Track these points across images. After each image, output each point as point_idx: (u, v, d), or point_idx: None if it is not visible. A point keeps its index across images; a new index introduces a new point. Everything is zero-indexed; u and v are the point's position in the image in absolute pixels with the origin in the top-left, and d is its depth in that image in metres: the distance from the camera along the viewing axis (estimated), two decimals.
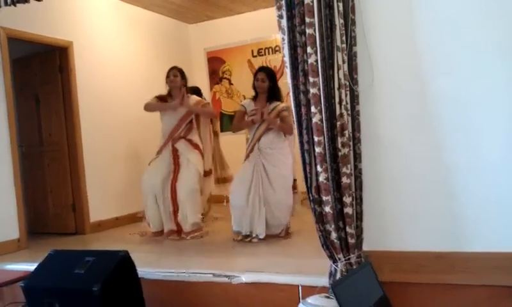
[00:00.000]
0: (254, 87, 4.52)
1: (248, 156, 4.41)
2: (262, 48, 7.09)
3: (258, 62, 7.04)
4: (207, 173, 4.98)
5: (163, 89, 4.93)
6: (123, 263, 2.94)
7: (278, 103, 4.46)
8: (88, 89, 5.52)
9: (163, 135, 4.83)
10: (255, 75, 4.51)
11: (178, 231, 4.63)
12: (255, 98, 4.55)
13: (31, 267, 3.26)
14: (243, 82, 6.24)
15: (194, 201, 4.62)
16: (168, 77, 4.81)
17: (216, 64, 7.45)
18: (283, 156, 4.40)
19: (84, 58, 5.54)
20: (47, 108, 5.53)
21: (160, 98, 4.87)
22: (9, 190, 4.61)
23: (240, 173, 4.39)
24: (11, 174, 4.64)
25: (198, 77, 7.19)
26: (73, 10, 5.45)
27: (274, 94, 4.49)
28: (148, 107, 4.86)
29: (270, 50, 7.01)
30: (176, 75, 4.78)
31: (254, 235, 4.20)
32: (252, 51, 7.14)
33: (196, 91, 5.52)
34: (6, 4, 3.75)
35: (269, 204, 4.21)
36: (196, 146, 4.79)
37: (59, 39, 5.28)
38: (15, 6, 3.79)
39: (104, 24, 5.93)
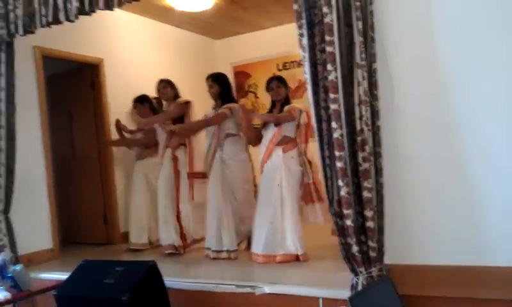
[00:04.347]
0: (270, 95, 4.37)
1: (210, 166, 4.38)
2: (287, 62, 7.19)
3: (284, 76, 7.11)
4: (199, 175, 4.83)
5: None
6: (151, 273, 3.05)
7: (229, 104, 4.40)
8: (118, 105, 5.69)
9: (160, 143, 4.86)
10: (269, 83, 4.35)
11: (184, 245, 4.64)
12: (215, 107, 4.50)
13: (64, 276, 3.41)
14: (269, 95, 6.32)
15: (194, 209, 4.66)
16: (158, 90, 4.87)
17: (242, 78, 7.58)
18: (244, 169, 4.42)
19: (114, 74, 5.73)
20: (79, 123, 5.74)
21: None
22: (44, 202, 4.82)
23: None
24: (45, 186, 4.84)
25: None
26: (103, 28, 5.66)
27: (227, 98, 4.45)
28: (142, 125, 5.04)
29: (295, 64, 7.10)
30: (165, 87, 4.82)
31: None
32: (277, 65, 7.25)
33: None
34: (41, 25, 3.95)
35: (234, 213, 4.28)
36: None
37: (90, 56, 5.49)
38: (49, 27, 3.98)
39: (133, 41, 6.13)
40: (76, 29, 4.93)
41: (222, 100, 4.46)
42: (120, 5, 3.66)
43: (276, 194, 3.99)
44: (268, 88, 4.35)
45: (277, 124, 4.14)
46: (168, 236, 4.65)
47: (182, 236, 4.64)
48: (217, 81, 4.49)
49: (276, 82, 4.31)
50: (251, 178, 4.49)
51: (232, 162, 4.36)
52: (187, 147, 4.72)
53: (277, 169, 4.04)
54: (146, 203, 5.14)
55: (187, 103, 4.75)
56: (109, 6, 3.66)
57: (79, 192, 5.73)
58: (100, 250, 5.24)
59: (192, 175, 4.63)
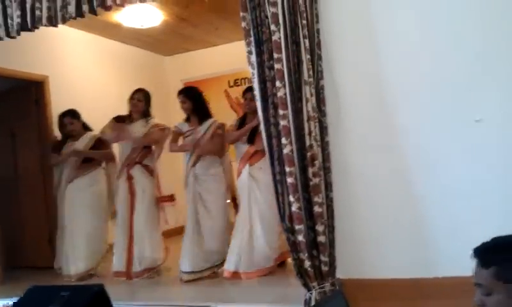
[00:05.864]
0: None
1: (186, 183, 4.29)
2: (238, 79, 7.22)
3: (235, 92, 7.16)
4: (167, 198, 4.64)
5: None
6: (98, 297, 2.91)
7: (212, 120, 4.38)
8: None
9: (120, 160, 4.61)
10: (244, 93, 4.32)
11: (128, 272, 4.27)
12: (188, 119, 4.45)
13: (5, 302, 3.23)
14: (220, 112, 6.32)
15: (151, 233, 4.40)
16: (132, 98, 4.59)
17: None
18: (218, 183, 4.29)
19: (60, 92, 5.54)
20: (23, 142, 5.50)
21: (118, 119, 4.61)
22: None
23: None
24: None
25: (176, 107, 7.20)
26: (48, 45, 5.48)
27: (202, 112, 4.39)
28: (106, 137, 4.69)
29: (246, 80, 7.14)
30: (140, 99, 4.59)
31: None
32: (229, 81, 7.26)
33: None
34: None
35: (205, 232, 4.14)
36: (151, 172, 4.55)
37: (35, 73, 5.30)
38: None
39: (79, 58, 5.98)
40: (19, 45, 4.75)
41: (198, 115, 4.36)
42: (64, 21, 3.54)
43: (244, 210, 4.00)
44: (243, 98, 4.31)
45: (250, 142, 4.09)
46: (115, 261, 4.43)
47: (129, 261, 4.28)
48: (189, 97, 4.39)
49: (251, 94, 4.00)
50: (224, 193, 4.33)
51: (204, 176, 4.26)
52: (145, 168, 4.55)
53: (244, 185, 4.05)
54: (83, 229, 4.63)
55: (165, 129, 4.59)
56: (52, 23, 3.55)
57: (22, 213, 5.46)
58: (46, 274, 4.99)
59: (161, 199, 4.53)
